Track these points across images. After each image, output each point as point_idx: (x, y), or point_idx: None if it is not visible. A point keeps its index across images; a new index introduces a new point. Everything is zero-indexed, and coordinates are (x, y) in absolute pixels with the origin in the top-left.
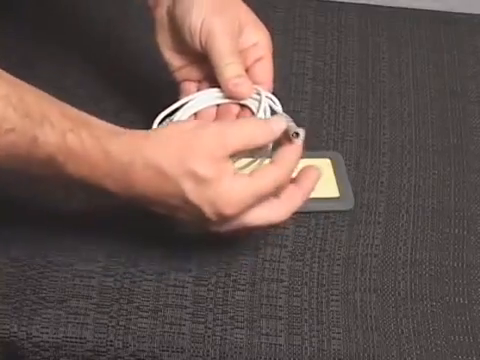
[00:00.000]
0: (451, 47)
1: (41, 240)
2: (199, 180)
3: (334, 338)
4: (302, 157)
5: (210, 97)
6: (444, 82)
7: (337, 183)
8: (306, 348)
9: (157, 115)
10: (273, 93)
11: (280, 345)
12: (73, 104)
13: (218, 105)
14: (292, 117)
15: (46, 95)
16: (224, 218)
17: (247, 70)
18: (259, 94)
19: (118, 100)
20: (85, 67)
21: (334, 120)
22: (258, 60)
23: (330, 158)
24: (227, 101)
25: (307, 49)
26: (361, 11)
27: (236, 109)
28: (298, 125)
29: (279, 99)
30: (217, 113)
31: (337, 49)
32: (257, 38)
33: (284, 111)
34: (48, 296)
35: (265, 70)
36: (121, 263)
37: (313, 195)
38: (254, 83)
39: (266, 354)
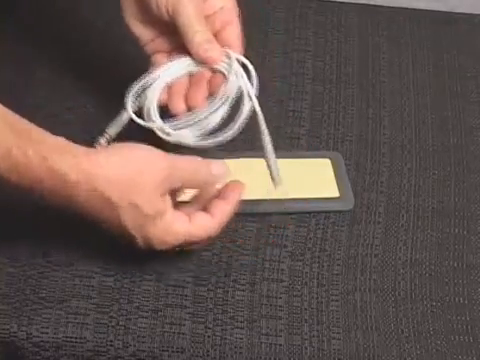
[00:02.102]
0: (451, 47)
1: (41, 240)
2: (140, 214)
3: (334, 338)
4: (302, 157)
5: (181, 66)
6: (444, 82)
7: (337, 183)
8: (306, 348)
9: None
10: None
11: (280, 345)
12: (72, 104)
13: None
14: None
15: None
16: (153, 249)
17: (215, 35)
18: (229, 57)
19: (117, 100)
20: (84, 67)
21: (334, 120)
22: (226, 24)
23: (330, 158)
24: (199, 69)
25: (307, 49)
26: (361, 11)
27: (208, 75)
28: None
29: (252, 62)
30: (190, 82)
31: (337, 49)
32: (222, 3)
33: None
34: (48, 296)
35: (233, 34)
36: (121, 263)
37: (313, 195)
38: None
39: (266, 354)
